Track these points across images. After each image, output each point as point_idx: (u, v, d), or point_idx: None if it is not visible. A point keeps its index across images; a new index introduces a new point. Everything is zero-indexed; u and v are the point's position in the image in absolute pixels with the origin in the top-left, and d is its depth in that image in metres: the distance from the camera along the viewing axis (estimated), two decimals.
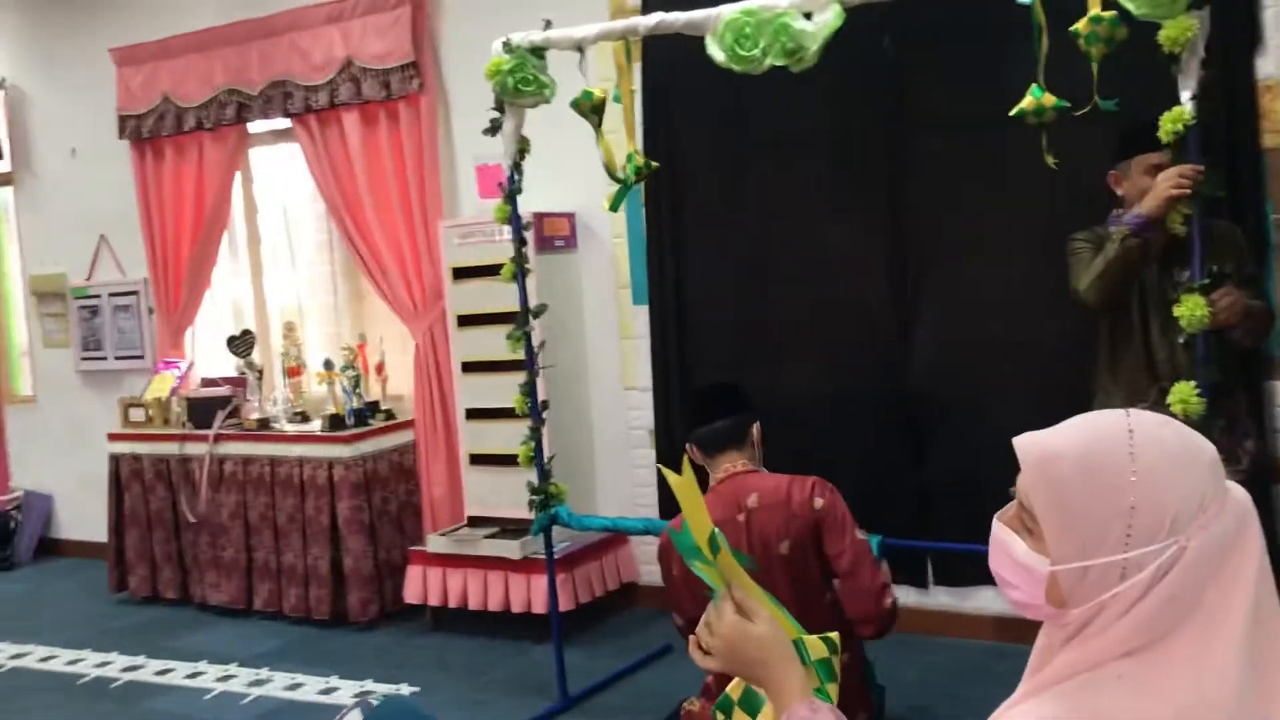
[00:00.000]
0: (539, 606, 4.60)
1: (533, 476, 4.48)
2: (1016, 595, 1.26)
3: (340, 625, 5.05)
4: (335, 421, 5.15)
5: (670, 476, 1.42)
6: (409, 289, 5.30)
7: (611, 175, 3.71)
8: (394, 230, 5.31)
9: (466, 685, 4.30)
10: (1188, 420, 2.85)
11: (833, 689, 1.52)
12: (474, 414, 4.97)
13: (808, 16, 3.21)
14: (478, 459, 4.97)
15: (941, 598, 4.42)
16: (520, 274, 3.86)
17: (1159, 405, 3.13)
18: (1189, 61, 2.76)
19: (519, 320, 3.87)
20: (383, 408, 5.38)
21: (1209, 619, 1.15)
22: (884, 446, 4.38)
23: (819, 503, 2.85)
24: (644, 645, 4.53)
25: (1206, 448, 1.20)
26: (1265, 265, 3.63)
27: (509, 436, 4.81)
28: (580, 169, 4.75)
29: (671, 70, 4.60)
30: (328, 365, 5.22)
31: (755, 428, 3.04)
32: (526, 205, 4.56)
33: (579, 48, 3.63)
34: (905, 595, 3.98)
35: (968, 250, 4.25)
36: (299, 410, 5.45)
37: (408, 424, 5.38)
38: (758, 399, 4.55)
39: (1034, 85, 3.00)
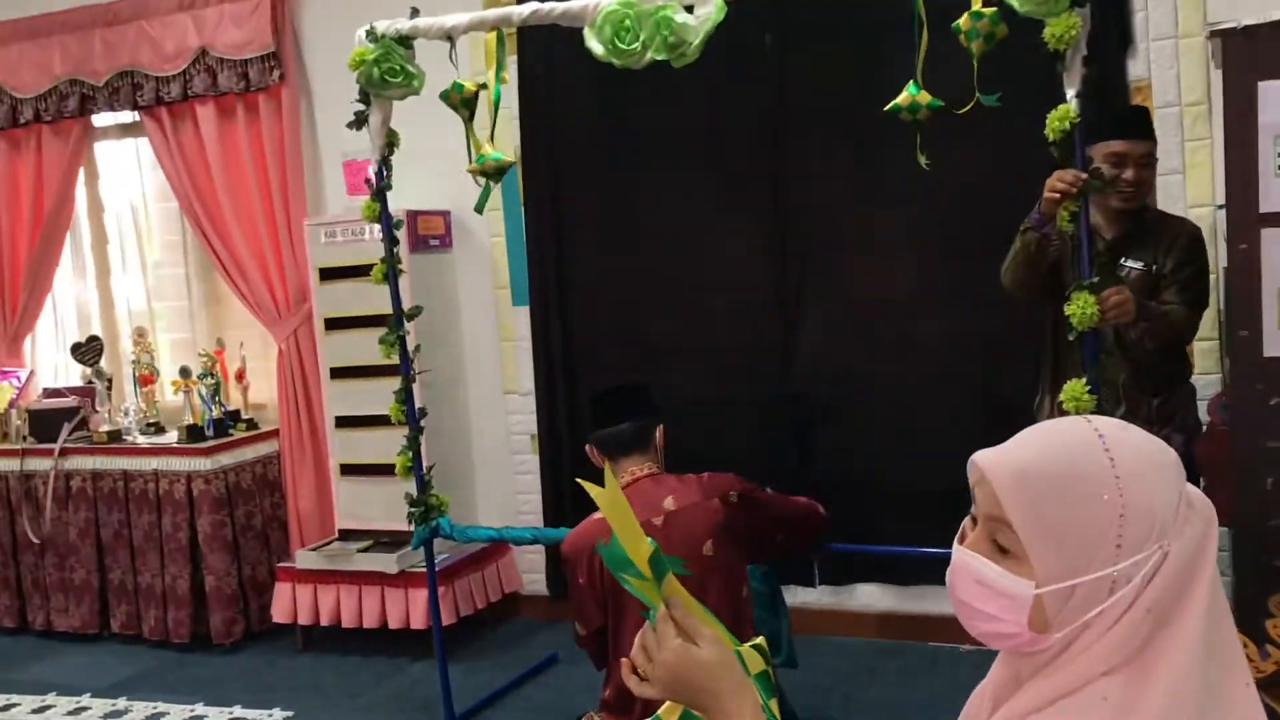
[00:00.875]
0: (418, 622, 4.42)
1: (410, 487, 4.32)
2: (991, 627, 1.17)
3: (202, 648, 4.76)
4: (193, 432, 4.86)
5: (593, 491, 1.28)
6: (271, 291, 5.03)
7: (471, 171, 3.56)
8: (254, 229, 5.04)
9: (344, 707, 4.09)
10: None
11: (774, 704, 1.42)
12: (344, 422, 4.74)
13: (689, 10, 3.10)
14: (349, 469, 4.75)
15: (827, 597, 4.39)
16: (392, 275, 3.66)
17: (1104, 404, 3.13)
18: (1073, 59, 2.75)
19: (392, 324, 3.68)
20: (244, 417, 5.10)
21: (1173, 623, 1.09)
22: (769, 447, 4.33)
23: (734, 496, 2.83)
24: (529, 658, 4.39)
25: (1169, 450, 1.14)
26: None
27: (382, 445, 4.62)
28: (456, 165, 4.55)
29: (549, 63, 4.47)
30: (184, 373, 4.92)
31: (660, 431, 2.97)
32: (398, 203, 4.36)
33: (449, 37, 3.45)
34: (792, 596, 3.93)
35: (850, 249, 4.23)
36: (152, 421, 5.13)
37: (271, 434, 5.11)
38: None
39: (911, 82, 2.96)
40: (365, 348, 4.58)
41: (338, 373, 4.72)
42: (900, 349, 4.19)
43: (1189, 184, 3.78)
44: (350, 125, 3.59)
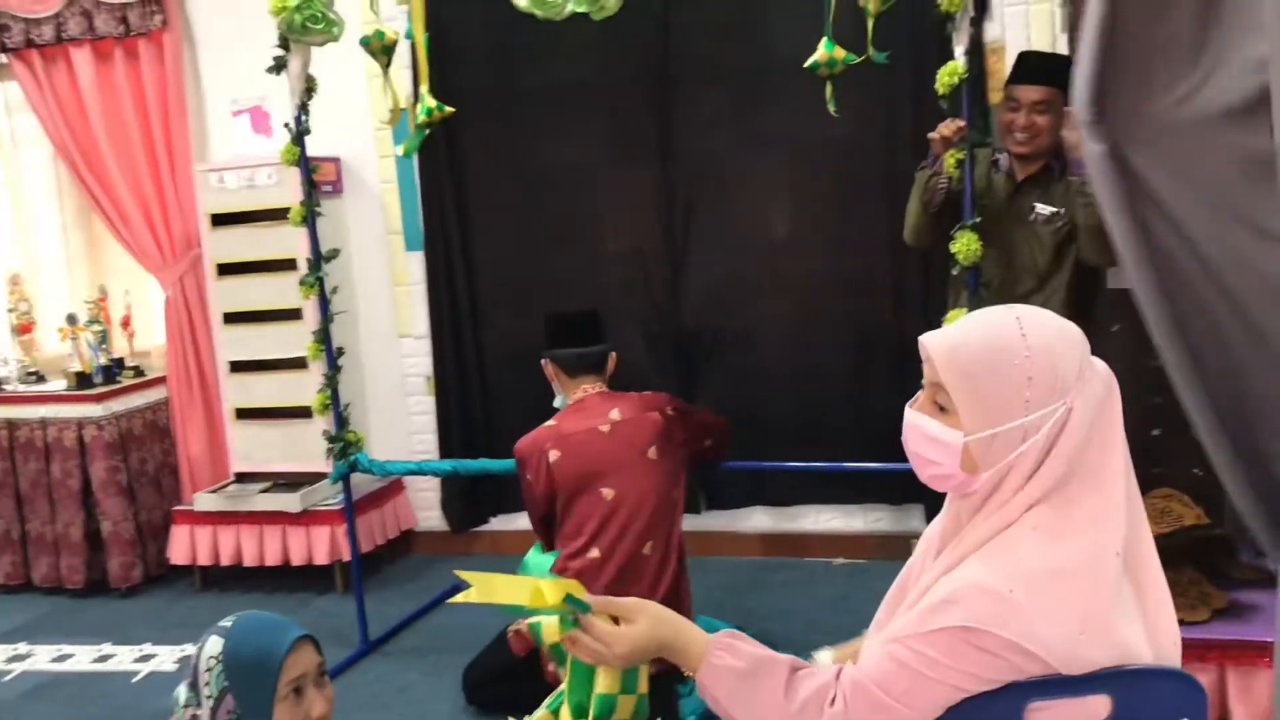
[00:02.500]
0: (321, 558, 4.56)
1: (310, 428, 4.46)
2: (933, 470, 1.47)
3: (98, 593, 4.78)
4: (82, 380, 4.83)
5: (474, 593, 1.50)
6: (156, 238, 5.02)
7: (384, 120, 3.70)
8: (136, 176, 5.00)
9: None
10: None
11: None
12: (238, 366, 4.80)
13: None
14: (244, 413, 4.82)
15: (714, 520, 4.71)
16: (311, 218, 3.78)
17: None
18: (962, 20, 3.07)
19: (311, 266, 3.79)
20: (129, 364, 5.09)
21: (1094, 473, 1.40)
22: (658, 380, 4.59)
23: (670, 409, 3.19)
24: (430, 588, 4.58)
25: (1076, 328, 1.45)
26: None
27: (277, 388, 4.74)
28: (344, 112, 4.67)
29: (442, 12, 4.58)
30: (71, 320, 4.87)
31: (612, 358, 3.29)
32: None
33: None
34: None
35: (733, 194, 4.51)
36: (32, 370, 5.06)
37: (159, 380, 5.11)
38: (535, 340, 4.72)
39: (825, 39, 3.23)
40: (258, 292, 4.69)
41: (231, 318, 4.77)
42: (778, 287, 4.52)
43: None
44: (269, 70, 3.68)
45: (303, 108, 3.73)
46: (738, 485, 4.64)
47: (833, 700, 1.39)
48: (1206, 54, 2.31)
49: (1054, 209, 3.37)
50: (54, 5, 4.92)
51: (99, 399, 4.76)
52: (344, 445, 3.86)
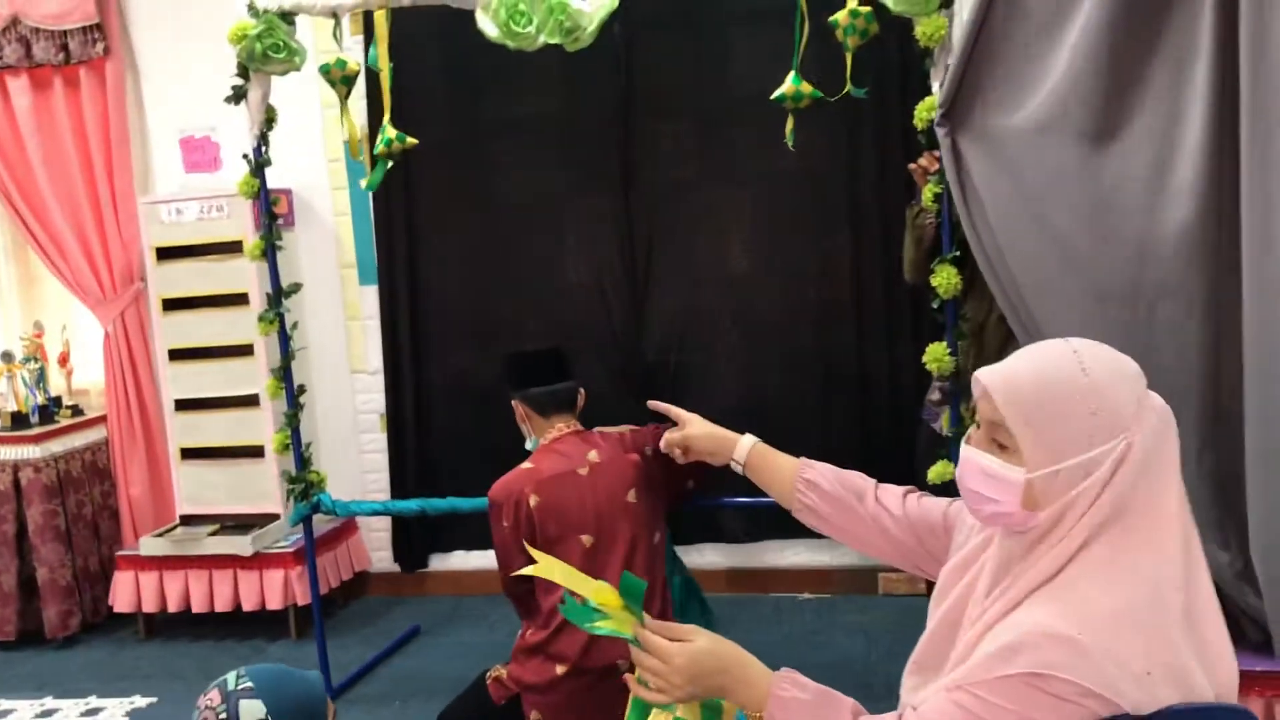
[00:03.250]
0: (275, 603, 4.40)
1: (256, 468, 4.32)
2: (993, 509, 1.43)
3: (32, 644, 4.55)
4: (17, 419, 4.62)
5: (540, 569, 1.57)
6: (96, 272, 4.84)
7: (353, 155, 3.62)
8: (75, 208, 4.83)
9: None
10: (940, 375, 3.23)
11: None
12: (184, 405, 4.63)
13: None
14: (191, 453, 4.65)
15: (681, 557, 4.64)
16: (271, 251, 3.66)
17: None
18: (940, 56, 3.09)
19: (270, 301, 3.67)
20: (67, 403, 4.89)
21: (1152, 508, 1.37)
22: (621, 415, 4.54)
23: (649, 450, 3.01)
24: (390, 630, 4.45)
25: (1131, 362, 1.43)
26: None
27: (226, 427, 4.58)
28: (296, 144, 4.56)
29: (399, 41, 4.51)
30: (6, 357, 4.66)
31: (582, 394, 3.15)
32: (237, 181, 4.35)
33: (334, 14, 3.49)
34: None
35: (695, 228, 4.50)
36: None
37: (99, 420, 4.92)
38: (493, 376, 4.63)
39: (792, 73, 3.23)
40: (207, 328, 4.54)
41: (177, 354, 4.61)
42: (740, 320, 4.51)
43: None
44: (228, 100, 3.57)
45: (262, 138, 3.62)
46: (700, 522, 4.58)
47: None
48: (1034, 80, 2.72)
49: None
50: None
51: (36, 440, 4.55)
52: (306, 486, 3.73)
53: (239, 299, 4.48)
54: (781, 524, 4.47)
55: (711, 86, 4.41)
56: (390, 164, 3.56)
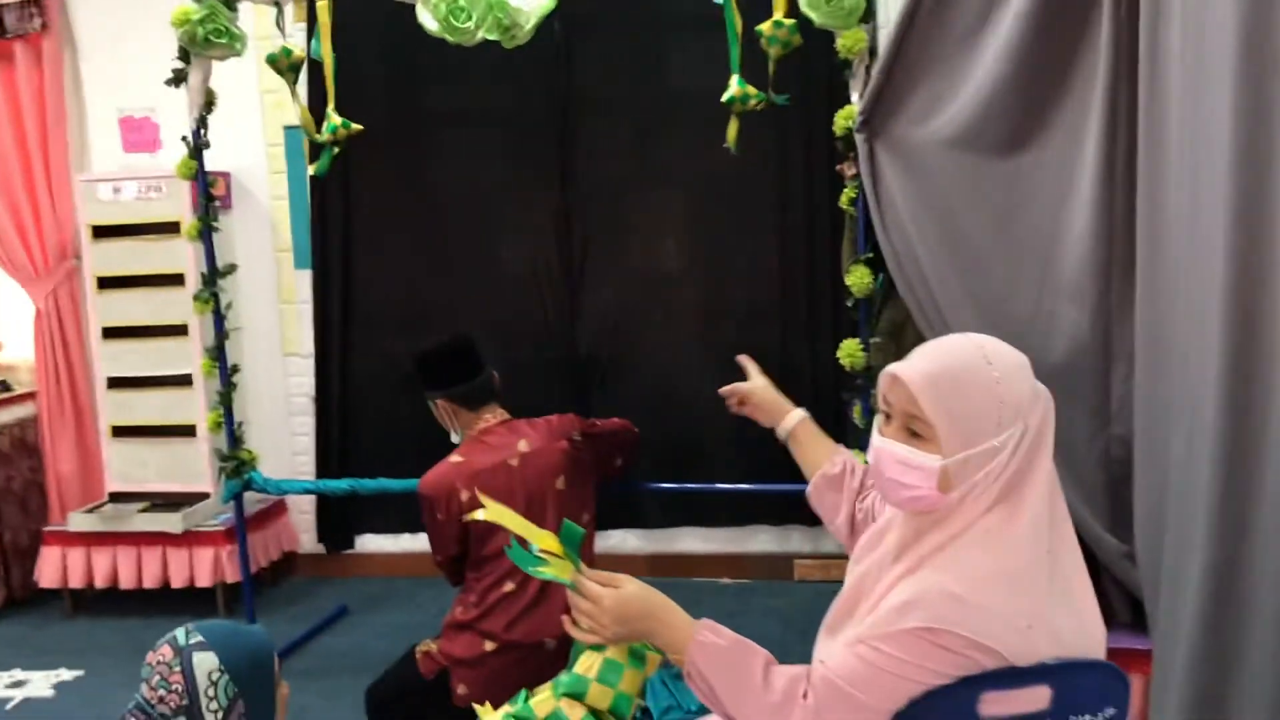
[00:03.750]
0: (204, 580, 4.45)
1: (187, 447, 4.37)
2: (910, 494, 1.56)
3: None
4: None
5: (489, 514, 1.67)
6: (28, 249, 4.84)
7: (311, 137, 3.68)
8: (8, 184, 4.82)
9: (134, 665, 4.02)
10: (853, 371, 3.39)
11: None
12: (117, 383, 4.66)
13: None
14: (122, 430, 4.67)
15: (600, 543, 4.77)
16: (207, 232, 3.72)
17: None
18: (858, 67, 3.25)
19: (205, 281, 3.73)
20: None
21: (1033, 481, 1.53)
22: (553, 404, 4.64)
23: (577, 435, 3.10)
24: (318, 610, 4.52)
25: (1021, 354, 1.59)
26: None
27: (158, 406, 4.62)
28: (235, 127, 4.61)
29: (340, 30, 4.56)
30: None
31: (496, 377, 3.18)
32: (175, 162, 4.39)
33: (276, 2, 3.56)
34: None
35: (629, 225, 4.63)
36: None
37: (28, 396, 4.92)
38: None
39: (735, 77, 3.36)
40: (141, 307, 4.57)
41: (110, 332, 4.63)
42: (671, 315, 4.64)
43: None
44: (168, 82, 3.63)
45: (201, 121, 3.68)
46: (623, 506, 4.71)
47: (805, 694, 1.47)
48: (951, 91, 2.89)
49: None
50: None
51: None
52: (238, 464, 3.80)
53: (175, 279, 4.52)
54: (699, 511, 4.69)
55: (648, 88, 4.54)
56: (336, 150, 3.63)
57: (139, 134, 4.69)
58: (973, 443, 1.50)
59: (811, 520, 4.27)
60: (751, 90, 3.32)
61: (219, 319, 3.76)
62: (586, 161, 4.57)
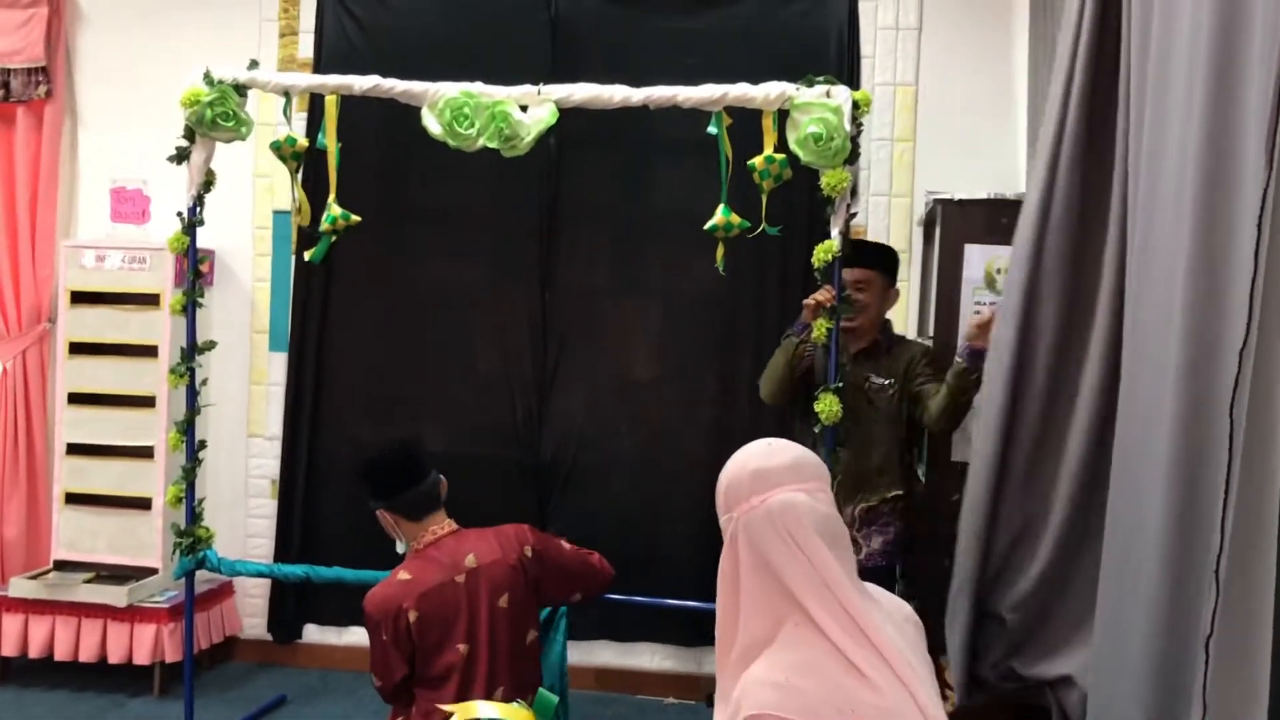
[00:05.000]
0: (142, 657, 4.37)
1: (140, 520, 4.34)
2: None
3: None
4: None
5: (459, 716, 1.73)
6: (3, 309, 4.85)
7: (300, 226, 3.75)
8: None
9: None
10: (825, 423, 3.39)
11: None
12: (76, 449, 4.62)
13: (523, 109, 3.51)
14: (75, 498, 4.62)
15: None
16: (191, 308, 3.75)
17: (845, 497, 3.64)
18: (840, 205, 3.38)
19: (184, 355, 3.75)
20: None
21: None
22: (512, 506, 4.65)
23: (529, 551, 3.05)
24: (255, 698, 4.44)
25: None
26: None
27: (116, 476, 4.58)
28: (225, 208, 4.66)
29: (339, 123, 4.67)
30: None
31: (443, 483, 3.12)
32: (163, 236, 4.45)
33: (286, 93, 3.67)
34: None
35: (604, 333, 4.70)
36: None
37: None
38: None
39: (722, 206, 3.48)
40: (111, 375, 4.57)
41: (76, 398, 4.61)
42: (637, 426, 4.70)
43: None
44: (171, 159, 3.68)
45: (199, 199, 3.74)
46: (580, 615, 4.68)
47: None
48: None
49: (886, 380, 3.69)
50: None
51: None
52: (194, 540, 3.77)
53: (148, 350, 4.53)
54: (659, 628, 4.67)
55: (631, 205, 4.67)
56: (334, 239, 3.69)
57: (129, 205, 4.74)
58: None
59: None
60: (735, 219, 3.44)
61: (192, 394, 3.77)
62: (567, 268, 4.67)
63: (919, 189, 4.51)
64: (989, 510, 2.85)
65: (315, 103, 4.52)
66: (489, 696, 2.93)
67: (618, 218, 4.67)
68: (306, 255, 3.73)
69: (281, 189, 4.80)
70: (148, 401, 4.54)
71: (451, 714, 2.72)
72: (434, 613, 2.89)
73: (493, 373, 4.72)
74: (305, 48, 4.79)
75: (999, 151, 4.46)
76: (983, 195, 3.69)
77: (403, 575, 2.94)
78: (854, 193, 4.53)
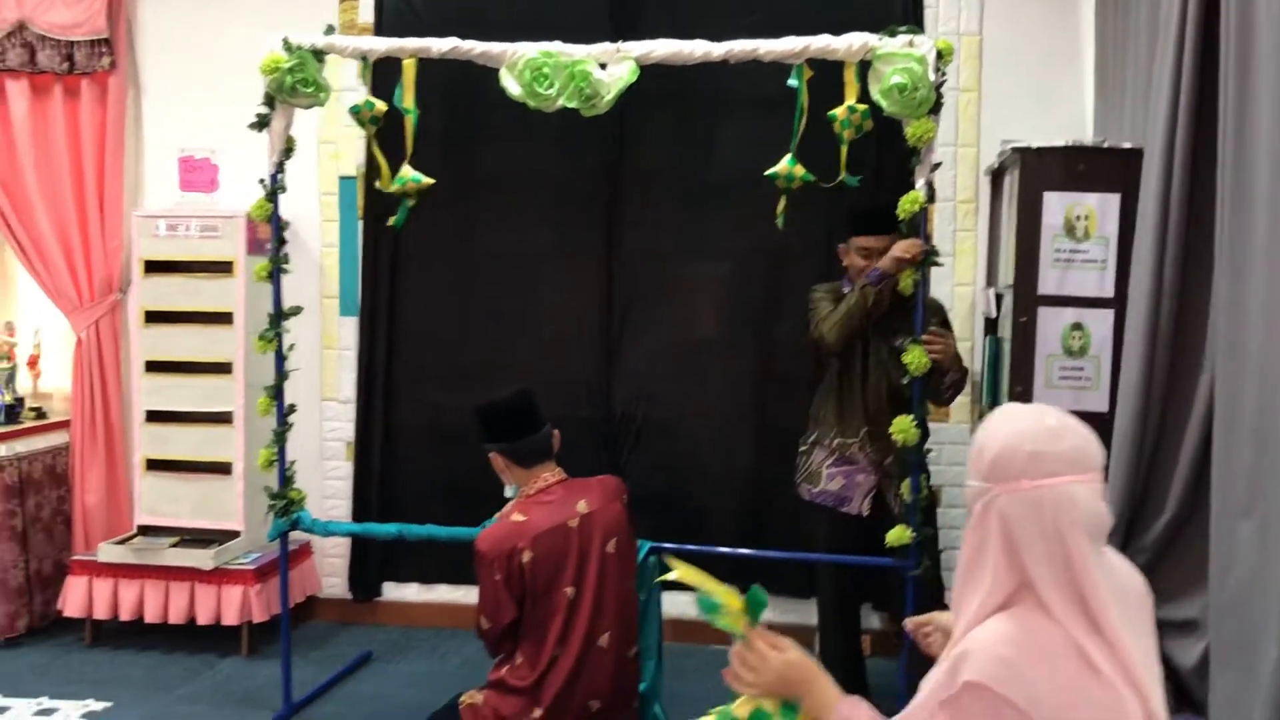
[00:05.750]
0: (231, 618, 4.46)
1: (221, 484, 4.41)
2: None
3: None
4: None
5: (679, 574, 1.90)
6: (75, 279, 4.90)
7: (382, 189, 3.78)
8: (61, 215, 4.90)
9: (159, 700, 4.06)
10: (904, 447, 3.48)
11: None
12: (155, 416, 4.70)
13: (602, 67, 3.52)
14: (156, 464, 4.70)
15: None
16: (276, 273, 3.80)
17: (868, 440, 3.78)
18: (926, 155, 3.39)
19: (271, 321, 3.80)
20: (30, 405, 4.91)
21: None
22: (585, 465, 4.71)
23: (625, 499, 3.17)
24: (338, 656, 4.52)
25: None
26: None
27: (194, 442, 4.66)
28: (291, 175, 4.66)
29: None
30: None
31: (556, 435, 3.22)
32: (233, 204, 4.51)
33: (364, 57, 3.68)
34: None
35: (668, 293, 4.74)
36: None
37: (62, 424, 4.94)
38: (467, 417, 4.75)
39: (789, 155, 3.49)
40: (184, 342, 4.63)
41: (153, 366, 4.68)
42: (701, 382, 4.74)
43: (957, 266, 4.58)
44: (252, 126, 3.70)
45: (280, 166, 3.77)
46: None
47: None
48: None
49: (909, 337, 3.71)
50: None
51: (2, 438, 4.57)
52: (287, 503, 3.84)
53: (223, 318, 4.58)
54: (719, 575, 4.71)
55: (695, 164, 4.68)
56: (412, 204, 3.72)
57: (198, 173, 4.77)
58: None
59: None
60: (798, 170, 3.46)
61: (280, 359, 3.82)
62: (632, 229, 4.70)
63: (984, 139, 4.51)
64: (1132, 459, 2.90)
65: (376, 68, 4.52)
66: (592, 642, 3.02)
67: (682, 178, 4.68)
68: (390, 221, 3.76)
69: (346, 155, 4.85)
70: (224, 368, 4.60)
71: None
72: (547, 555, 2.96)
73: (561, 334, 4.77)
74: (365, 12, 4.80)
75: (1065, 99, 4.46)
76: (1060, 143, 3.68)
77: (516, 517, 3.01)
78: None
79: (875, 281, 3.63)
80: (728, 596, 1.86)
